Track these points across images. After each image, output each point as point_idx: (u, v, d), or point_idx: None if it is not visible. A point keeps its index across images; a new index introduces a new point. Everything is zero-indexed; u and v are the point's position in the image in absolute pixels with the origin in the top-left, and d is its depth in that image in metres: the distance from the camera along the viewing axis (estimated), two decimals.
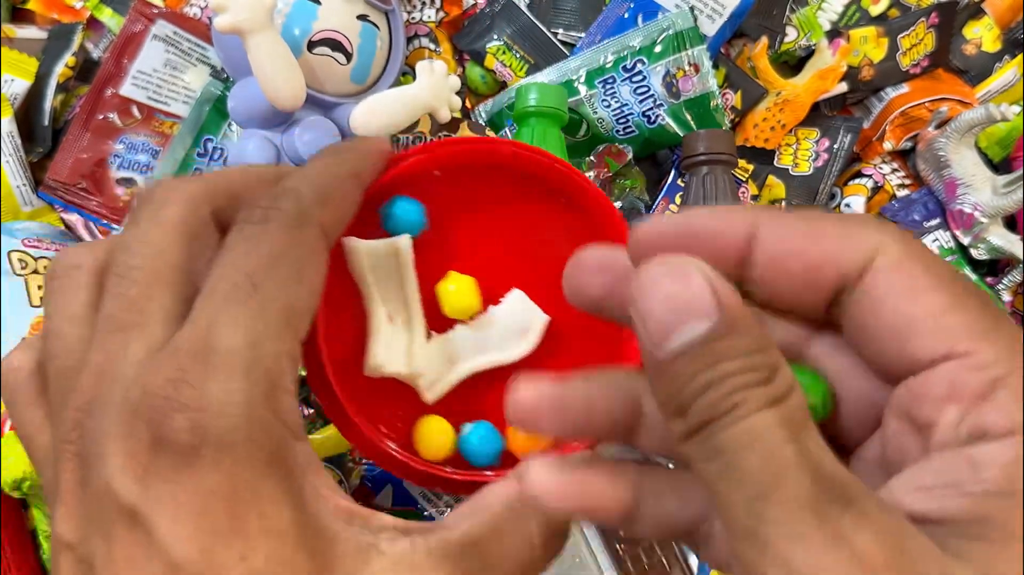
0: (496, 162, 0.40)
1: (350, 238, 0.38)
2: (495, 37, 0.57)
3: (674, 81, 0.53)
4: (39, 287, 0.50)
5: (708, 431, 0.17)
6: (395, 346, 0.39)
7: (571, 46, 0.58)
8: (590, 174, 0.53)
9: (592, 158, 0.53)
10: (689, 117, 0.54)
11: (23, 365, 0.25)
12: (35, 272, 0.50)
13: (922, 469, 0.18)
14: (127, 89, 0.52)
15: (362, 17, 0.48)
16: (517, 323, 0.40)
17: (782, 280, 0.20)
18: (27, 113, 0.53)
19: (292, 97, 0.44)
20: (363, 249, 0.38)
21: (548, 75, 0.55)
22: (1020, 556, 0.16)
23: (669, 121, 0.54)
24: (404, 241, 0.39)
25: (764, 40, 0.57)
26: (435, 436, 0.39)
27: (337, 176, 0.27)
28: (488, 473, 0.38)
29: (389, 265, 0.40)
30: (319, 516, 0.22)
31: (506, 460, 0.39)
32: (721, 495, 0.17)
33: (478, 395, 0.39)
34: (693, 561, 0.51)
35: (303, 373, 0.41)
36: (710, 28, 0.55)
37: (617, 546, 0.50)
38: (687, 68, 0.53)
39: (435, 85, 0.49)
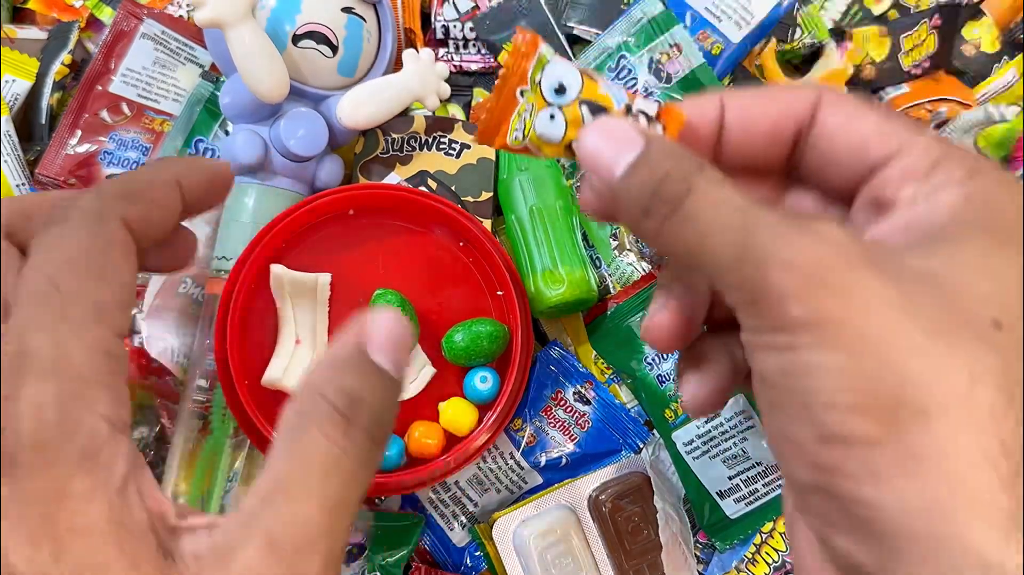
0: (396, 204, 0.47)
1: (276, 265, 0.44)
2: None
3: (661, 67, 0.52)
4: None
5: (678, 208, 0.22)
6: (294, 365, 0.44)
7: (587, 43, 0.55)
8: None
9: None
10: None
11: None
12: None
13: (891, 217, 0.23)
14: (117, 86, 0.52)
15: (347, 9, 0.48)
16: (410, 368, 0.47)
17: (753, 140, 0.25)
18: (25, 112, 0.54)
19: (274, 90, 0.44)
20: (286, 277, 0.44)
21: None
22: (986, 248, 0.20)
23: None
24: (324, 277, 0.45)
25: (773, 42, 0.57)
26: None
27: (152, 177, 0.27)
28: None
29: (307, 295, 0.45)
30: (135, 512, 0.22)
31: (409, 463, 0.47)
32: (707, 249, 0.21)
33: None
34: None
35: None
36: (735, 35, 0.54)
37: (626, 564, 0.49)
38: (669, 50, 0.52)
39: (421, 72, 0.49)
